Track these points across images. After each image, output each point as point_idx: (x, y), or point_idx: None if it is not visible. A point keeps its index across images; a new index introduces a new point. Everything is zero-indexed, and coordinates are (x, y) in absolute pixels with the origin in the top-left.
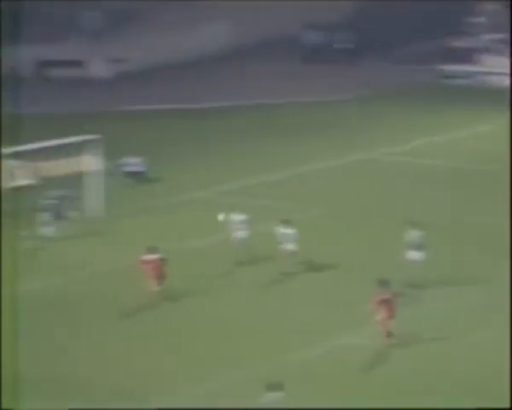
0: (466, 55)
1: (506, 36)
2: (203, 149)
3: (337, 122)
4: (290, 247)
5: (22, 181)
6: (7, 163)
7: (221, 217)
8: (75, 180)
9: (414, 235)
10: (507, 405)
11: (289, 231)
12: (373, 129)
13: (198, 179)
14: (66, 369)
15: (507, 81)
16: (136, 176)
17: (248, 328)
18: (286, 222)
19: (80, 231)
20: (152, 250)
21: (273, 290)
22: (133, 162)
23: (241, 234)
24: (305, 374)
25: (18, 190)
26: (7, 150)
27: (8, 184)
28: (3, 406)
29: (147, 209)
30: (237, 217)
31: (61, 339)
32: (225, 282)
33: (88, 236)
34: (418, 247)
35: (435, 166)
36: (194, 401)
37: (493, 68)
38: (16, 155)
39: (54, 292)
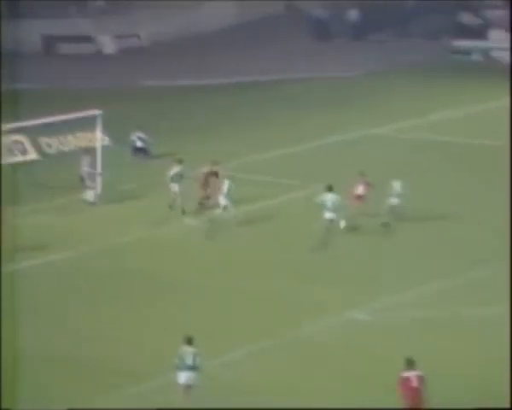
0: (475, 31)
1: None
2: (212, 124)
3: (347, 98)
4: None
5: (25, 157)
6: (7, 138)
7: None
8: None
9: None
10: (507, 405)
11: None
12: (384, 105)
13: (204, 155)
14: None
15: None
16: (142, 152)
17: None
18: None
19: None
20: None
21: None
22: (139, 138)
23: None
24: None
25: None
26: (9, 125)
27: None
28: (3, 406)
29: (153, 185)
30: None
31: (68, 318)
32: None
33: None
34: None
35: (448, 142)
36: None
37: (502, 43)
38: (20, 131)
39: (62, 267)
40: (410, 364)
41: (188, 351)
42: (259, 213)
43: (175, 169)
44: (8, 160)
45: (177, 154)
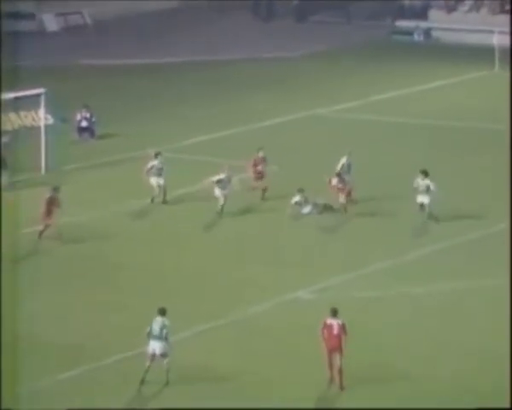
0: (417, 11)
1: None
2: (155, 105)
3: (289, 79)
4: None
5: None
6: None
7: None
8: (24, 134)
9: None
10: (507, 404)
11: None
12: (326, 86)
13: (147, 136)
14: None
15: (457, 36)
16: (86, 132)
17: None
18: None
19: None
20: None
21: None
22: (83, 118)
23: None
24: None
25: None
26: None
27: None
28: (3, 406)
29: (96, 165)
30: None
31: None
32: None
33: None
34: None
35: (390, 122)
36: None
37: (442, 23)
38: None
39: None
40: (334, 313)
41: (158, 321)
42: (203, 193)
43: (151, 163)
44: None
45: (120, 134)
